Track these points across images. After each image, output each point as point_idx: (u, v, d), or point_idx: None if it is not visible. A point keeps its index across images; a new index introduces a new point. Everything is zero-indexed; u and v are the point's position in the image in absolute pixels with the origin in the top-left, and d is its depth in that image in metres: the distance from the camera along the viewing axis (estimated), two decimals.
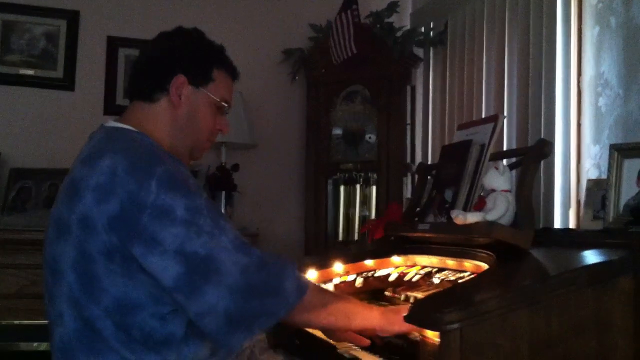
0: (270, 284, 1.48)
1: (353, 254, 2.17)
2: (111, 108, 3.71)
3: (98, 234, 1.42)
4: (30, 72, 3.68)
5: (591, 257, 1.60)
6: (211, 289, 1.40)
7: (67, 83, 3.72)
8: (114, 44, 3.79)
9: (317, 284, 1.85)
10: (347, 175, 3.83)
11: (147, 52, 1.69)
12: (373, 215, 3.70)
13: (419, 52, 3.97)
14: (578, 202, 2.68)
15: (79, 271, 1.45)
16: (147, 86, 1.63)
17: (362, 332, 1.68)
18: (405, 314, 1.40)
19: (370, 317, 1.64)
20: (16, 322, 3.04)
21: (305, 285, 1.54)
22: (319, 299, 1.60)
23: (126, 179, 1.42)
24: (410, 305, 1.69)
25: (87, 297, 1.45)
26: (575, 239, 1.87)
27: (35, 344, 3.09)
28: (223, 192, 3.62)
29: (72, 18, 3.73)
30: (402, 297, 1.93)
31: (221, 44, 1.72)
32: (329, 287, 2.01)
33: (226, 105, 1.70)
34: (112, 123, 1.63)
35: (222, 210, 3.55)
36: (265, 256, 1.50)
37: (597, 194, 2.16)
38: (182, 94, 1.62)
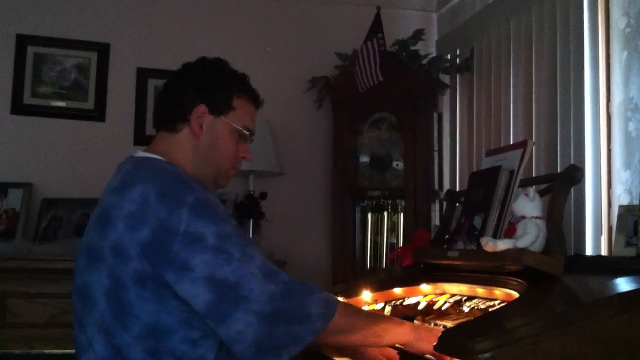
0: (297, 311, 1.50)
1: (381, 282, 2.15)
2: (141, 138, 3.75)
3: (130, 261, 1.44)
4: (61, 103, 3.75)
5: (624, 284, 1.57)
6: (240, 316, 1.42)
7: (97, 114, 3.78)
8: (143, 75, 3.85)
9: (345, 302, 1.84)
10: (374, 202, 3.82)
11: (169, 84, 1.73)
12: (401, 243, 3.67)
13: (445, 79, 3.98)
14: (609, 228, 2.64)
15: (111, 298, 1.47)
16: (169, 117, 1.67)
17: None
18: (439, 335, 1.39)
19: (400, 333, 1.64)
20: (46, 351, 3.06)
21: (332, 309, 1.55)
22: (348, 320, 1.60)
23: (157, 207, 1.45)
24: (442, 328, 1.68)
25: (118, 324, 1.46)
26: (608, 266, 1.84)
27: None
28: (251, 220, 3.63)
29: (103, 50, 3.80)
30: (432, 325, 1.91)
31: (244, 73, 1.75)
32: None
33: (248, 133, 1.71)
34: (140, 153, 1.66)
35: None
36: (292, 283, 1.52)
37: (629, 220, 2.12)
38: (203, 124, 1.65)
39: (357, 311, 1.78)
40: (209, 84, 1.68)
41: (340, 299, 1.99)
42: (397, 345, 1.67)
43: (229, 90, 1.69)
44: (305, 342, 1.50)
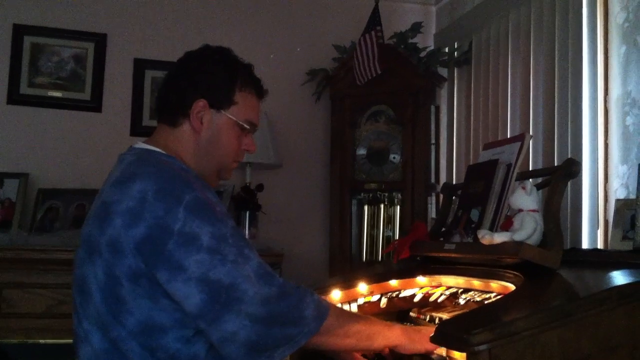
0: (291, 314, 1.49)
1: (377, 274, 2.15)
2: (138, 129, 3.75)
3: (125, 258, 1.43)
4: (58, 94, 3.74)
5: (621, 277, 1.57)
6: (233, 317, 1.41)
7: (94, 105, 3.77)
8: (140, 66, 3.84)
9: (337, 306, 1.84)
10: (371, 195, 3.82)
11: (170, 75, 1.69)
12: (397, 236, 3.68)
13: (444, 72, 3.97)
14: (606, 222, 2.65)
15: (106, 293, 1.46)
16: (170, 111, 1.65)
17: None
18: (429, 335, 1.39)
19: (392, 335, 1.64)
20: (42, 341, 3.06)
21: (325, 312, 1.55)
22: (340, 322, 1.60)
23: (155, 205, 1.44)
24: (433, 326, 1.68)
25: (113, 318, 1.46)
26: (605, 259, 1.84)
27: None
28: (247, 212, 3.63)
29: (100, 41, 3.79)
30: (427, 317, 1.91)
31: (248, 63, 1.71)
32: (353, 307, 2.00)
33: (249, 127, 1.69)
34: (141, 145, 1.64)
35: (247, 231, 3.56)
36: (286, 285, 1.51)
37: (626, 214, 2.13)
38: (203, 119, 1.63)
39: (349, 314, 1.78)
40: (210, 77, 1.64)
41: (337, 291, 1.99)
42: (388, 347, 1.67)
43: (230, 85, 1.65)
44: (299, 345, 1.50)
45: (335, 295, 1.98)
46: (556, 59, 2.94)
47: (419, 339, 1.61)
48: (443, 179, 3.88)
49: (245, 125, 1.67)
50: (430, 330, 1.55)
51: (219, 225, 1.46)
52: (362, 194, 3.85)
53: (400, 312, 2.07)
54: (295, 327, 1.49)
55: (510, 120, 3.28)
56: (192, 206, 1.44)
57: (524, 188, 1.74)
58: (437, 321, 1.83)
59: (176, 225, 1.42)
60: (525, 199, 1.73)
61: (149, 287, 1.43)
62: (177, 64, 1.69)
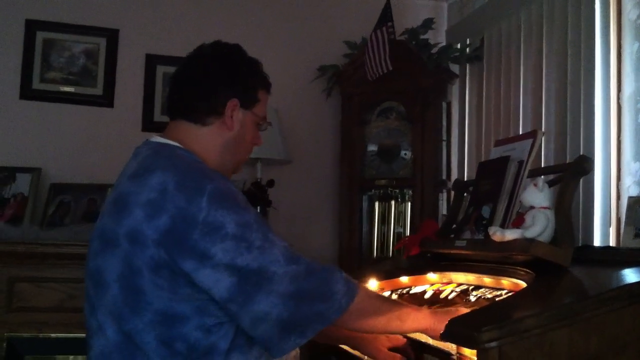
0: (321, 289, 1.51)
1: (388, 271, 2.15)
2: (149, 124, 3.76)
3: (147, 249, 1.44)
4: (70, 89, 3.75)
5: (632, 275, 1.57)
6: (264, 297, 1.44)
7: (106, 100, 3.78)
8: (152, 61, 3.85)
9: (367, 287, 1.84)
10: (381, 191, 3.81)
11: (192, 73, 1.68)
12: (408, 232, 3.67)
13: (455, 68, 3.96)
14: (618, 219, 2.63)
15: (123, 284, 1.47)
16: (201, 110, 1.65)
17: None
18: (458, 315, 1.39)
19: (422, 318, 1.64)
20: (53, 335, 3.08)
21: (354, 289, 1.56)
22: (370, 302, 1.61)
23: (177, 196, 1.45)
24: (461, 308, 1.68)
25: (129, 310, 1.47)
26: (616, 257, 1.83)
27: (71, 357, 3.13)
28: (258, 208, 3.63)
29: (112, 36, 3.80)
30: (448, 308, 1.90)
31: (257, 59, 1.75)
32: None
33: (268, 122, 1.74)
34: (157, 139, 1.65)
35: None
36: (313, 263, 1.54)
37: (638, 211, 2.12)
38: (233, 117, 1.66)
39: (378, 295, 1.79)
40: (239, 77, 1.67)
41: None
42: (418, 330, 1.66)
43: (255, 84, 1.70)
44: (331, 320, 1.51)
45: None
46: (568, 55, 2.92)
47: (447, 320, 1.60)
48: (454, 175, 3.86)
49: (266, 122, 1.73)
50: (459, 311, 1.55)
51: (243, 213, 1.48)
52: (372, 191, 3.84)
53: None
54: (326, 303, 1.50)
55: (522, 117, 3.26)
56: (214, 196, 1.46)
57: (535, 185, 1.74)
58: None
59: (200, 215, 1.43)
60: (537, 196, 1.73)
61: (170, 278, 1.44)
62: (198, 62, 1.69)
